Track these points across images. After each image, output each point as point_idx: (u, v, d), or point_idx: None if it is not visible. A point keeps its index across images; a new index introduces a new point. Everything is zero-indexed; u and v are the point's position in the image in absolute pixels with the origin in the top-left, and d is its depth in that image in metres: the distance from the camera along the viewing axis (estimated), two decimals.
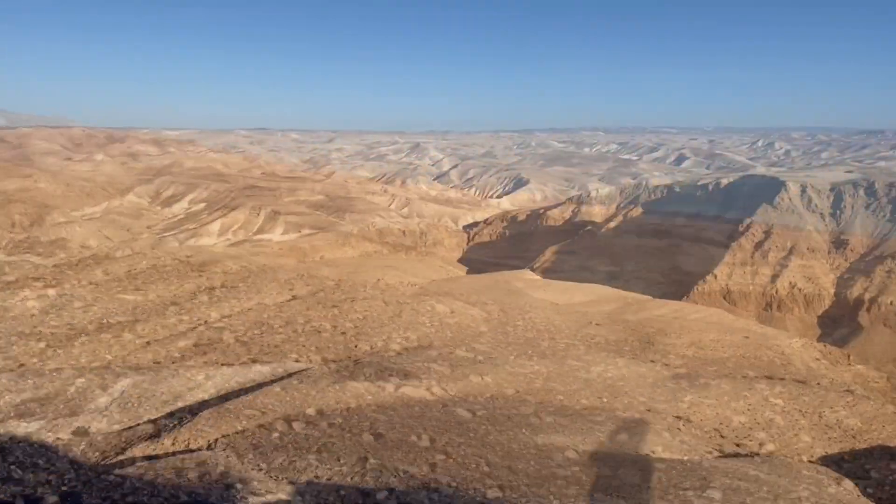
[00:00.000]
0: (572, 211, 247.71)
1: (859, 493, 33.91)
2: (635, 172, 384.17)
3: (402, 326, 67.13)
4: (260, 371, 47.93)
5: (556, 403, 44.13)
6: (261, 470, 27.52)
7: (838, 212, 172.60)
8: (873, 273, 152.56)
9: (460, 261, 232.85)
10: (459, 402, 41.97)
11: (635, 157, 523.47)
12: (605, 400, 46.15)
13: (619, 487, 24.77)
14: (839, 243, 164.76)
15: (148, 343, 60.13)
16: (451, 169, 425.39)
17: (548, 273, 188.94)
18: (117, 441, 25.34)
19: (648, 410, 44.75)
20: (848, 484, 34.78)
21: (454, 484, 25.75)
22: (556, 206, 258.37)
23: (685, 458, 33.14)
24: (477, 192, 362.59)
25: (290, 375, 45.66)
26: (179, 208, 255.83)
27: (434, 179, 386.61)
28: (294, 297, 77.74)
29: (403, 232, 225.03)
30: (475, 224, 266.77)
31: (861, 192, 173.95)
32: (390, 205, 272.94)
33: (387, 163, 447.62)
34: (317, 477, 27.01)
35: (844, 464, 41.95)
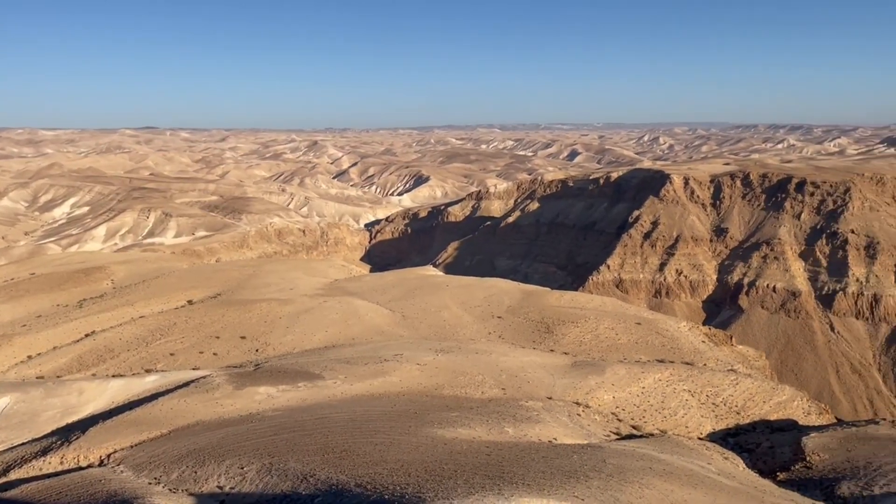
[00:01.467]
0: (472, 207, 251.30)
1: (744, 466, 36.38)
2: (531, 168, 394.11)
3: (306, 328, 66.04)
4: (154, 381, 45.85)
5: (462, 397, 44.75)
6: (159, 483, 26.36)
7: (718, 202, 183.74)
8: (751, 259, 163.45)
9: (363, 259, 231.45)
10: (367, 401, 41.80)
11: (530, 153, 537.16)
12: (508, 391, 47.21)
13: (524, 475, 25.40)
14: (720, 232, 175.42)
15: (30, 357, 55.94)
16: (350, 167, 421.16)
17: (450, 268, 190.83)
18: None
19: (550, 398, 46.16)
20: (734, 457, 37.22)
21: (364, 484, 25.62)
22: (456, 203, 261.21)
23: (585, 442, 34.40)
24: (378, 190, 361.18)
25: (187, 384, 43.98)
26: (60, 213, 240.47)
27: (334, 178, 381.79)
28: (190, 302, 74.77)
29: (304, 231, 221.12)
30: (377, 222, 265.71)
31: (738, 182, 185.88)
32: (289, 204, 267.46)
33: (284, 161, 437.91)
34: (220, 486, 26.16)
35: (731, 438, 44.84)
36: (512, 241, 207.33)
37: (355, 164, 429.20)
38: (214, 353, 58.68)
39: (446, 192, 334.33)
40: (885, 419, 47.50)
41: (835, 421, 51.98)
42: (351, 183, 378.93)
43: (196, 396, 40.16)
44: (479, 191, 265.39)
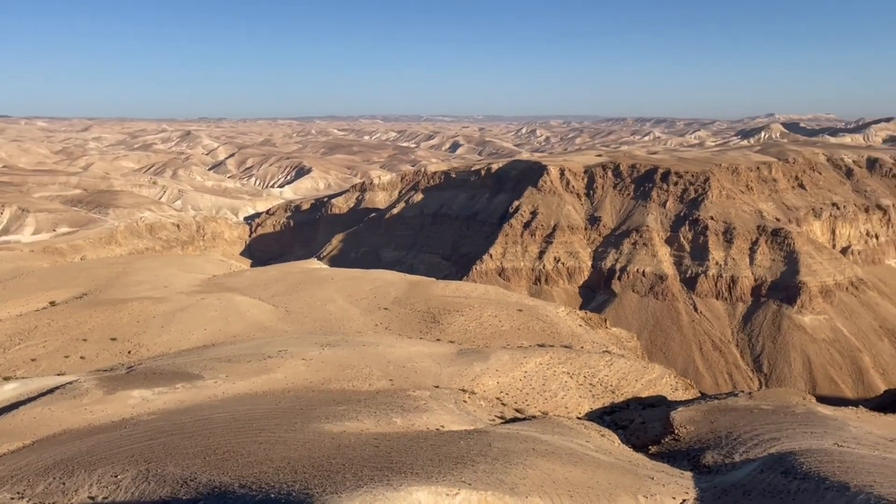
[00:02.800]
0: (356, 199, 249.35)
1: (619, 441, 38.47)
2: (414, 159, 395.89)
3: (182, 326, 63.17)
4: (14, 389, 42.46)
5: (349, 390, 44.47)
6: (22, 498, 24.51)
7: (592, 192, 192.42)
8: (622, 246, 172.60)
9: (243, 254, 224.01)
10: (251, 400, 40.65)
11: (413, 145, 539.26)
12: (396, 381, 47.41)
13: (413, 464, 25.66)
14: (594, 220, 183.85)
15: None
16: (227, 158, 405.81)
17: (335, 261, 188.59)
18: None
19: (437, 387, 46.79)
20: (610, 434, 39.26)
21: (248, 485, 24.95)
22: (340, 195, 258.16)
23: (471, 428, 35.18)
24: (257, 182, 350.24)
25: (52, 391, 41.02)
26: None
27: (209, 169, 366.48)
28: (53, 304, 69.65)
29: (178, 226, 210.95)
30: (257, 215, 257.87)
31: (609, 173, 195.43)
32: (161, 197, 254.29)
33: (154, 152, 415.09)
34: (92, 497, 24.65)
35: (607, 416, 47.26)
36: (397, 233, 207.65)
37: (232, 154, 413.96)
38: (82, 357, 55.05)
39: (329, 183, 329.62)
40: (742, 391, 51.67)
41: (699, 395, 55.99)
42: (228, 175, 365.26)
43: (62, 403, 37.59)
44: (364, 182, 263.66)
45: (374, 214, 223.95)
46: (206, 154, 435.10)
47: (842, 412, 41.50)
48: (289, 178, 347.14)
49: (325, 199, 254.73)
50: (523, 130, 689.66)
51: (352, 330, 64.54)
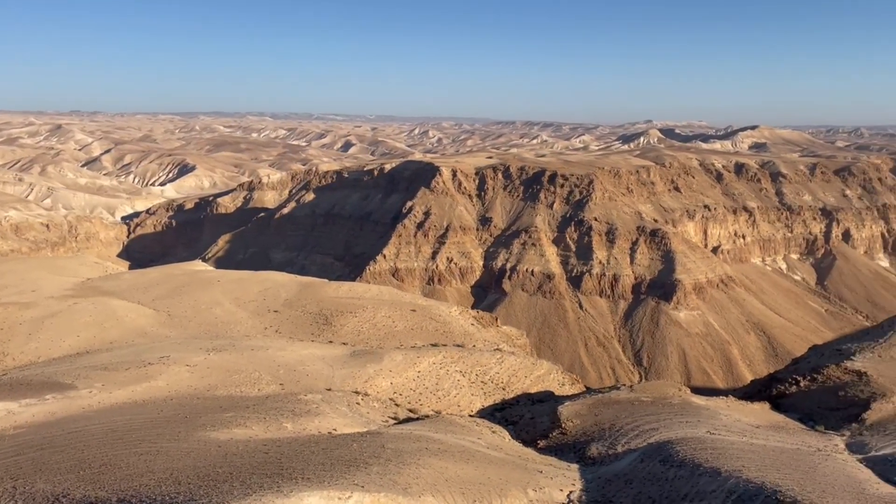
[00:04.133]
0: (244, 198, 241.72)
1: (510, 437, 39.35)
2: (305, 158, 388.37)
3: (53, 333, 58.91)
4: None
5: (237, 396, 42.99)
6: None
7: (483, 193, 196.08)
8: (512, 246, 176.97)
9: (121, 256, 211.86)
10: (129, 409, 38.44)
11: (304, 143, 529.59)
12: (286, 385, 46.31)
13: (304, 469, 25.13)
14: (485, 221, 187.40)
15: None
16: (102, 154, 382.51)
17: (221, 263, 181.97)
18: None
19: (329, 389, 46.10)
20: (501, 430, 40.08)
21: (127, 499, 23.56)
22: (226, 193, 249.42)
23: (364, 430, 34.90)
24: (136, 180, 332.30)
25: None
26: None
27: (83, 166, 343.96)
28: None
29: (47, 226, 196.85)
30: (136, 214, 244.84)
31: (500, 175, 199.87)
32: (28, 195, 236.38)
33: (21, 147, 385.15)
34: None
35: (498, 412, 48.22)
36: (288, 233, 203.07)
37: (108, 150, 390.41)
38: None
39: (215, 182, 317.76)
40: (624, 385, 54.15)
41: (584, 389, 58.15)
42: (104, 172, 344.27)
43: None
44: (252, 181, 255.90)
45: (263, 214, 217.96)
46: (80, 150, 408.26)
47: (713, 402, 44.32)
48: (171, 175, 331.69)
49: (211, 199, 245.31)
50: (416, 131, 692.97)
51: (240, 334, 62.52)
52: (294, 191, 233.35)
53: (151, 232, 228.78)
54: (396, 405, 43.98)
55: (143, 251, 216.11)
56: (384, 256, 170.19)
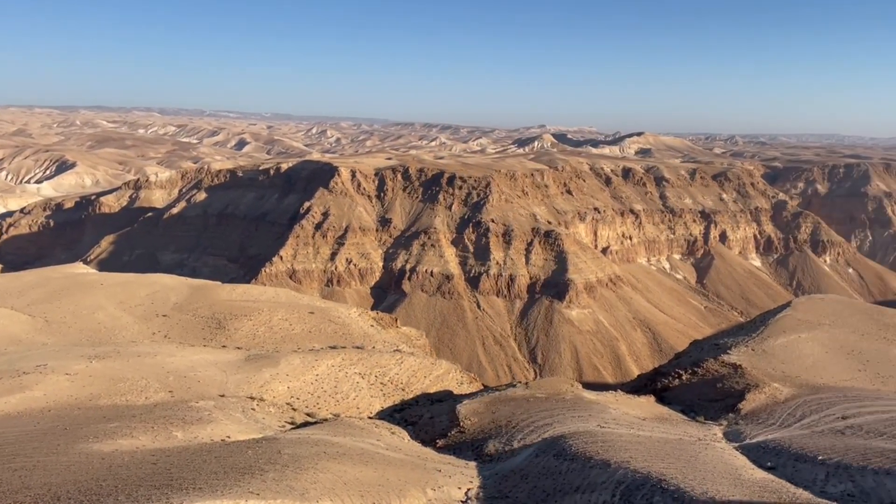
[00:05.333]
0: (130, 197, 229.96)
1: (409, 438, 39.46)
2: (196, 156, 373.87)
3: None
4: None
5: (122, 405, 40.82)
6: None
7: (382, 194, 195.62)
8: (412, 247, 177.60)
9: None
10: (2, 422, 35.70)
11: (195, 141, 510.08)
12: (176, 393, 44.41)
13: (195, 479, 24.21)
14: (384, 222, 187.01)
15: None
16: None
17: (105, 265, 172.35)
18: None
19: (222, 396, 44.59)
20: (400, 431, 40.12)
21: None
22: (110, 192, 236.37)
23: (260, 436, 34.03)
24: (9, 177, 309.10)
25: None
26: None
27: None
28: None
29: None
30: (9, 214, 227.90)
31: (399, 176, 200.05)
32: None
33: None
34: None
35: (397, 413, 48.24)
36: (178, 234, 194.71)
37: None
38: None
39: (98, 180, 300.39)
40: (520, 382, 55.46)
41: (482, 388, 59.18)
42: None
43: None
44: (138, 179, 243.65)
45: (150, 214, 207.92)
46: None
47: (603, 396, 46.21)
48: (48, 173, 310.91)
49: (93, 197, 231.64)
50: (313, 130, 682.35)
51: (125, 340, 59.45)
52: (184, 190, 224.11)
53: (27, 233, 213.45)
54: (294, 409, 43.16)
55: (16, 253, 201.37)
56: (281, 258, 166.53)
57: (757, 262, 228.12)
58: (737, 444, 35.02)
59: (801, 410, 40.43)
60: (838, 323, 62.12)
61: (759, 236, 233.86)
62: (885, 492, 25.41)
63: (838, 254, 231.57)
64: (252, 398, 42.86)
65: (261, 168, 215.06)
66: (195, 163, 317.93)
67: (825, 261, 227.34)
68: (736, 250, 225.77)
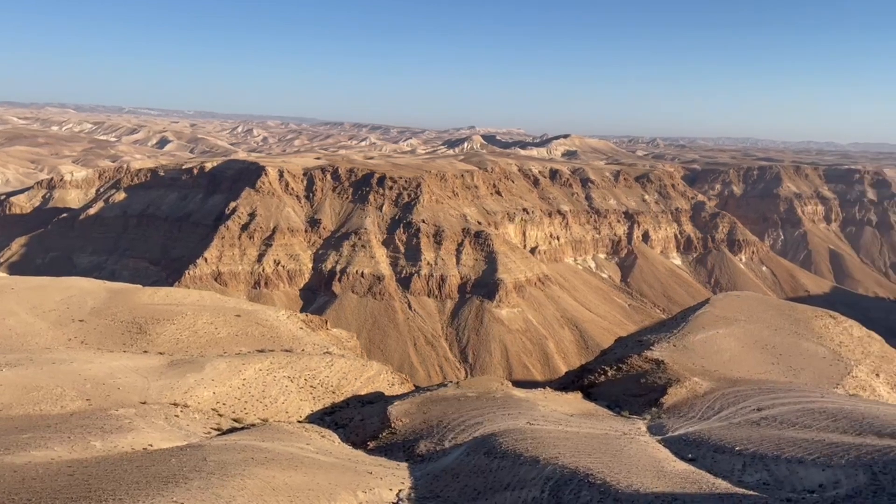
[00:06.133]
0: (43, 197, 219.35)
1: (340, 441, 39.08)
2: (115, 155, 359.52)
3: None
4: None
5: (36, 415, 38.83)
6: None
7: (311, 194, 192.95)
8: (342, 248, 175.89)
9: None
10: None
11: (114, 139, 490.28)
12: (94, 401, 42.57)
13: (115, 490, 23.29)
14: (314, 223, 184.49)
15: None
16: None
17: (16, 268, 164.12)
18: None
19: (144, 403, 43.02)
20: (330, 434, 39.70)
21: None
22: (21, 192, 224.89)
23: (184, 443, 33.01)
24: None
25: None
26: None
27: None
28: None
29: None
30: None
31: (329, 176, 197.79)
32: None
33: None
34: None
35: (328, 416, 47.69)
36: (95, 236, 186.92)
37: None
38: None
39: (7, 179, 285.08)
40: (452, 381, 55.75)
41: (414, 388, 59.16)
42: None
43: None
44: (52, 178, 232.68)
45: (65, 215, 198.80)
46: None
47: (532, 394, 46.95)
48: None
49: (3, 197, 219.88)
50: (239, 129, 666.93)
51: (39, 346, 56.58)
52: (102, 190, 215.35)
53: None
54: (220, 415, 42.09)
55: None
56: (206, 260, 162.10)
57: (677, 261, 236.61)
58: (660, 438, 36.19)
59: (719, 403, 42.13)
60: (753, 319, 65.05)
61: (679, 236, 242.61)
62: (798, 479, 26.77)
63: (753, 252, 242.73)
64: (176, 405, 41.57)
65: (184, 167, 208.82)
66: (113, 161, 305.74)
67: (741, 259, 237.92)
68: (658, 249, 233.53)
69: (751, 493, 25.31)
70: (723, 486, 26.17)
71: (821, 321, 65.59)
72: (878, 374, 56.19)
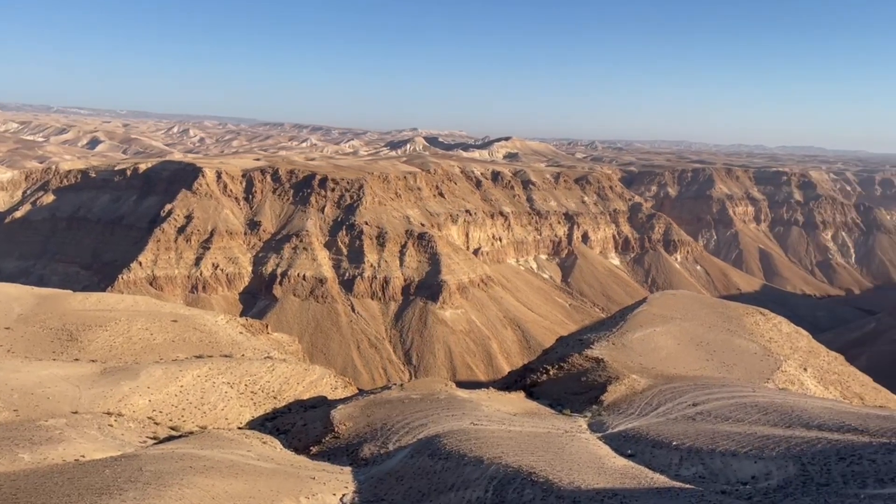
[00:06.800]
0: None
1: (282, 446, 38.46)
2: (43, 156, 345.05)
3: None
4: None
5: None
6: None
7: (251, 196, 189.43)
8: (283, 250, 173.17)
9: None
10: None
11: (41, 139, 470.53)
12: (22, 411, 40.77)
13: None
14: (253, 225, 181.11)
15: None
16: None
17: None
18: None
19: (75, 412, 41.44)
20: (272, 440, 39.03)
21: None
22: None
23: (119, 453, 31.95)
24: None
25: None
26: None
27: None
28: None
29: None
30: None
31: (269, 178, 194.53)
32: None
33: None
34: None
35: (269, 422, 46.88)
36: (21, 239, 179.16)
37: None
38: None
39: None
40: (396, 384, 55.60)
41: (357, 391, 58.72)
42: None
43: None
44: None
45: None
46: None
47: (476, 394, 47.21)
48: None
49: None
50: (175, 129, 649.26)
51: None
52: (29, 192, 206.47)
53: None
54: (156, 424, 40.91)
55: None
56: (140, 264, 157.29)
57: (616, 261, 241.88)
58: (600, 435, 36.89)
59: (657, 399, 43.23)
60: (688, 317, 67.03)
61: (617, 236, 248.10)
62: (732, 472, 27.70)
63: (687, 252, 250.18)
64: (109, 414, 40.21)
65: (117, 168, 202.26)
66: (41, 162, 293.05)
67: (676, 259, 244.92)
68: (597, 250, 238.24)
69: (687, 486, 26.05)
70: (661, 480, 26.85)
71: (752, 318, 68.06)
72: (805, 369, 58.61)
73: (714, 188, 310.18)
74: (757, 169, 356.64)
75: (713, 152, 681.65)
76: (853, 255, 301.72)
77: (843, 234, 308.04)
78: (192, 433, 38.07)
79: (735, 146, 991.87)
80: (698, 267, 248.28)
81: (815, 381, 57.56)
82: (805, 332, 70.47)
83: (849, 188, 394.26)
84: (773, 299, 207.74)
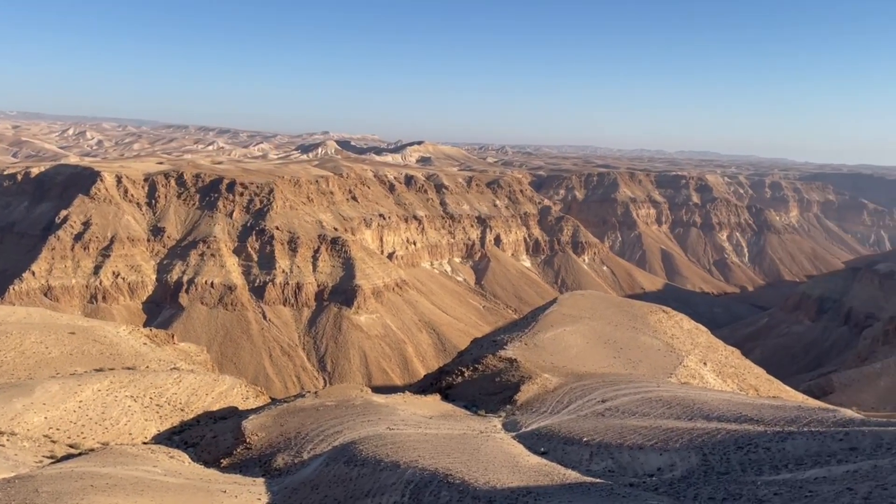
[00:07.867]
0: None
1: (190, 460, 37.14)
2: None
3: None
4: None
5: None
6: None
7: (154, 201, 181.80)
8: (189, 257, 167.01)
9: None
10: None
11: None
12: None
13: None
14: (157, 231, 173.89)
15: None
16: None
17: None
18: None
19: None
20: (180, 454, 37.64)
21: None
22: None
23: (12, 475, 30.02)
24: None
25: None
26: None
27: None
28: None
29: None
30: None
31: (173, 182, 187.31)
32: None
33: None
34: None
35: (176, 436, 45.15)
36: None
37: None
38: None
39: None
40: (309, 391, 54.68)
41: (270, 401, 57.40)
42: None
43: None
44: None
45: None
46: None
47: (392, 399, 47.11)
48: None
49: None
50: (70, 132, 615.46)
51: None
52: None
53: None
54: (53, 442, 38.70)
55: None
56: (33, 273, 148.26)
57: (527, 263, 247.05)
58: (514, 434, 37.58)
59: (567, 397, 44.43)
60: (596, 316, 69.26)
61: (528, 239, 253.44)
62: (639, 465, 28.83)
63: (594, 253, 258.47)
64: (1, 433, 37.73)
65: (6, 173, 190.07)
66: None
67: (584, 260, 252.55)
68: (509, 252, 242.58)
69: (598, 480, 26.92)
70: (573, 476, 27.63)
71: (655, 316, 71.06)
72: (705, 363, 61.68)
73: (618, 191, 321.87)
74: (658, 173, 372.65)
75: (617, 157, 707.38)
76: (746, 255, 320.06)
77: (738, 234, 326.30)
78: (92, 450, 36.23)
79: (637, 151, 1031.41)
80: (605, 267, 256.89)
81: (714, 374, 60.65)
82: (704, 329, 74.16)
83: (742, 191, 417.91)
84: (674, 297, 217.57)
